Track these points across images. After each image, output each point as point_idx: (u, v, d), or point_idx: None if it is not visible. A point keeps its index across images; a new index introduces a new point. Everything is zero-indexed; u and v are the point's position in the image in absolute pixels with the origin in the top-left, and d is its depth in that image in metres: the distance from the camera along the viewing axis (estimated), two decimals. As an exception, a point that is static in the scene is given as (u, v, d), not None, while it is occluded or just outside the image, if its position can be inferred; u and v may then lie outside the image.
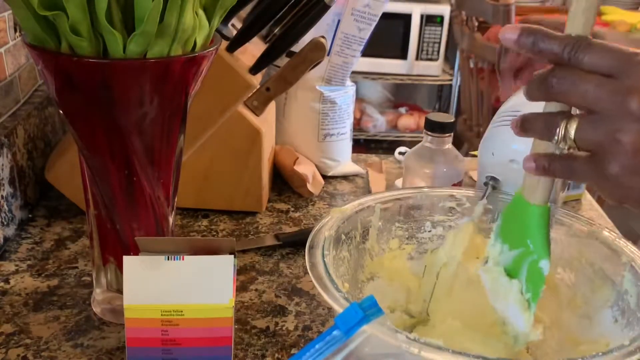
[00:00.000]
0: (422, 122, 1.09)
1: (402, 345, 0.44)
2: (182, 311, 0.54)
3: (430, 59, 2.72)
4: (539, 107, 0.67)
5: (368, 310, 0.43)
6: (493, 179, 0.67)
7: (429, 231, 0.68)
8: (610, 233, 0.60)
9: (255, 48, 0.84)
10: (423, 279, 0.65)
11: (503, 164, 0.67)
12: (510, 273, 0.56)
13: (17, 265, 0.73)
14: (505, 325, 0.56)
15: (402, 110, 2.95)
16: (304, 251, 0.56)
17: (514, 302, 0.55)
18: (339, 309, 0.47)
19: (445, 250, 0.63)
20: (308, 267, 0.53)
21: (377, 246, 0.65)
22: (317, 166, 0.97)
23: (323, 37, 0.81)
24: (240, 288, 0.71)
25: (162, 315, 0.54)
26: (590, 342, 0.57)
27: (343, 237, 0.61)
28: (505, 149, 0.68)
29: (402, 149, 1.06)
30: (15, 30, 0.85)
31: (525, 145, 0.64)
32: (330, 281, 0.51)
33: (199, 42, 0.55)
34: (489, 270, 0.57)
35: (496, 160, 0.69)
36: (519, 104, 0.70)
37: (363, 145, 2.90)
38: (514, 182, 0.66)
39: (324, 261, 0.54)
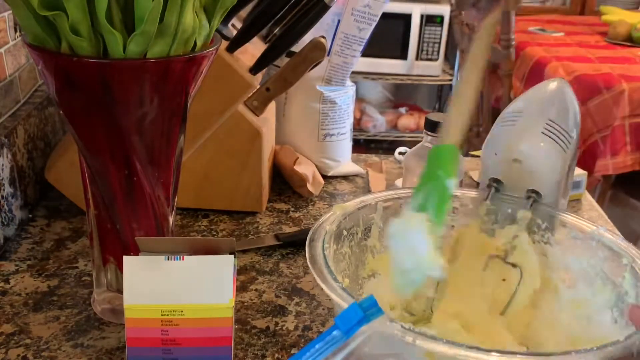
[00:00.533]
0: (422, 122, 1.09)
1: (397, 334, 0.44)
2: (182, 311, 0.54)
3: (430, 59, 2.72)
4: (540, 106, 0.68)
5: (368, 310, 0.43)
6: (496, 180, 0.68)
7: None
8: (610, 234, 0.60)
9: (255, 48, 0.84)
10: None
11: (506, 163, 0.67)
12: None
13: (17, 265, 0.73)
14: (404, 273, 0.54)
15: (402, 110, 2.95)
16: (304, 251, 0.56)
17: (417, 229, 0.53)
18: (337, 300, 0.48)
19: (450, 248, 0.64)
20: (308, 259, 0.53)
21: (379, 244, 0.66)
22: (317, 166, 0.97)
23: (323, 37, 0.81)
24: (240, 288, 0.71)
25: (162, 315, 0.54)
26: (589, 343, 0.57)
27: (344, 232, 0.61)
28: (509, 149, 0.68)
29: (402, 149, 1.06)
30: (15, 30, 0.85)
31: (528, 146, 0.65)
32: (329, 272, 0.51)
33: (199, 42, 0.55)
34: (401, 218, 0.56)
35: (499, 160, 0.69)
36: (521, 107, 0.69)
37: (363, 145, 2.90)
38: (517, 182, 0.66)
39: (324, 253, 0.54)
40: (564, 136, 0.65)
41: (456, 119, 0.60)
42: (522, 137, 0.66)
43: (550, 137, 0.65)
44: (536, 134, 0.65)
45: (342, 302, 0.48)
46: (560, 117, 0.66)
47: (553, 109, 0.66)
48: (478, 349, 0.44)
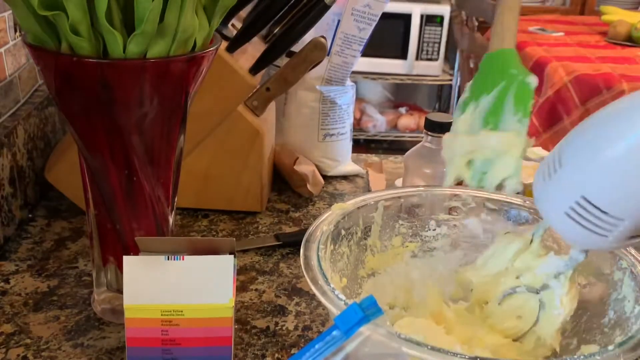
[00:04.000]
0: (422, 122, 1.09)
1: (384, 340, 0.44)
2: (182, 311, 0.54)
3: (430, 59, 2.73)
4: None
5: (368, 310, 0.43)
6: None
7: (433, 229, 0.68)
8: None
9: (255, 48, 0.84)
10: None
11: None
12: (490, 122, 0.59)
13: (17, 265, 0.73)
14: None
15: (402, 110, 2.95)
16: (304, 251, 0.56)
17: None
18: (328, 304, 0.48)
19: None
20: (302, 261, 0.53)
21: (379, 243, 0.66)
22: (317, 166, 0.97)
23: (323, 37, 0.81)
24: (240, 288, 0.71)
25: (162, 315, 0.54)
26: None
27: (343, 232, 0.61)
28: None
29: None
30: (15, 30, 0.85)
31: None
32: (321, 274, 0.51)
33: (199, 42, 0.55)
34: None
35: None
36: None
37: (363, 145, 2.90)
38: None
39: (318, 255, 0.54)
40: None
41: (509, 23, 0.59)
42: None
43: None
44: None
45: (332, 307, 0.48)
46: None
47: None
48: (462, 356, 0.44)
